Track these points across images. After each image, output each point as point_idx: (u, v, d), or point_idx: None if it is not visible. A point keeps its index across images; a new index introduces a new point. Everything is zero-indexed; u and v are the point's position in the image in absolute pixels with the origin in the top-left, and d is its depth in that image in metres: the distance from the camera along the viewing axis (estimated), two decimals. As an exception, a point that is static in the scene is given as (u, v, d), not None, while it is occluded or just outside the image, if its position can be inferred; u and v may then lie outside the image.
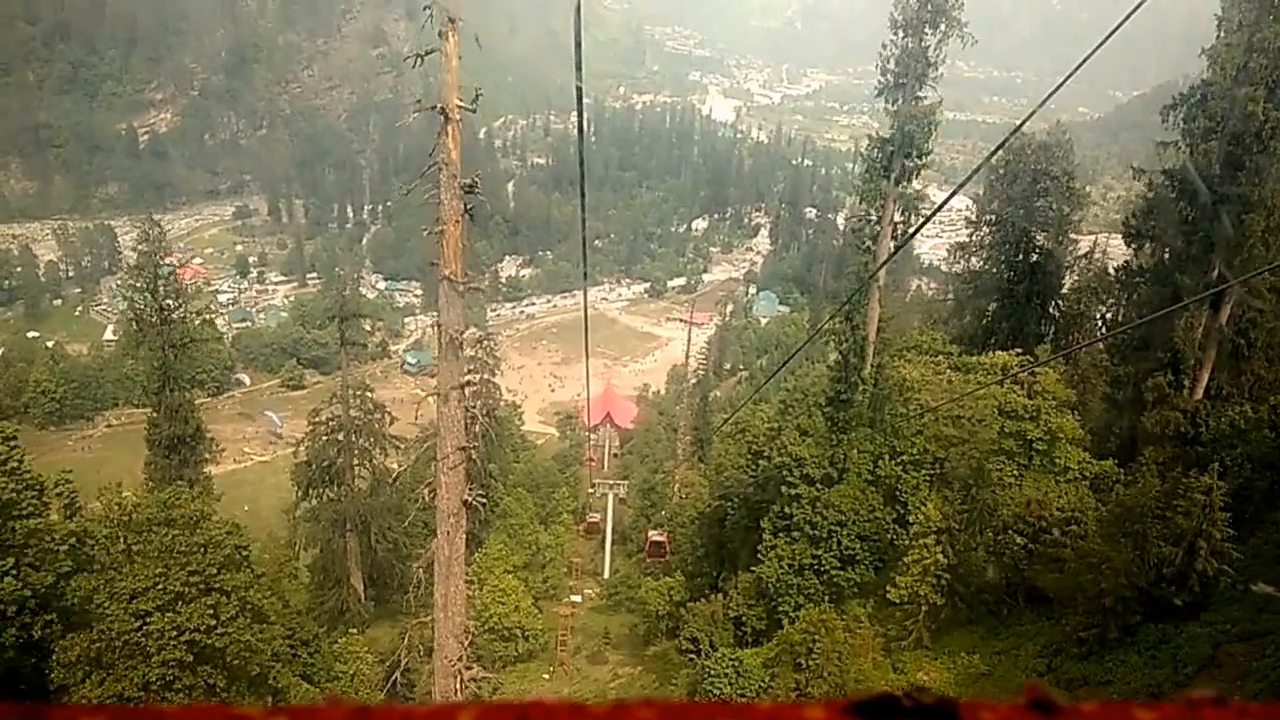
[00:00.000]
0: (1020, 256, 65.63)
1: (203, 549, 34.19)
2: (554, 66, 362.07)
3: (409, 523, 66.27)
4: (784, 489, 45.08)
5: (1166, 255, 48.69)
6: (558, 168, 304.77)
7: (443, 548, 28.71)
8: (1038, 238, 65.15)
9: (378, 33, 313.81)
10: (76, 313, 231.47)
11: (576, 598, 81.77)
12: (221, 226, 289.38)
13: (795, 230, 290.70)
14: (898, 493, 45.63)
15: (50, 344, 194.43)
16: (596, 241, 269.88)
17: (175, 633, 32.03)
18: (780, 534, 45.16)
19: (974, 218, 70.56)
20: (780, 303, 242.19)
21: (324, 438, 72.72)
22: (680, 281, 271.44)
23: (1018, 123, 17.71)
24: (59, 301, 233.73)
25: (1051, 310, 65.59)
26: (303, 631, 51.67)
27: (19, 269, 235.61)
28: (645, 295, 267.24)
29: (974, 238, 70.04)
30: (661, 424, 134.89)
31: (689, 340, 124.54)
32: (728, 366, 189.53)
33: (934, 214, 21.94)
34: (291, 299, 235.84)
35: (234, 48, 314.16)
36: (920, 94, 45.81)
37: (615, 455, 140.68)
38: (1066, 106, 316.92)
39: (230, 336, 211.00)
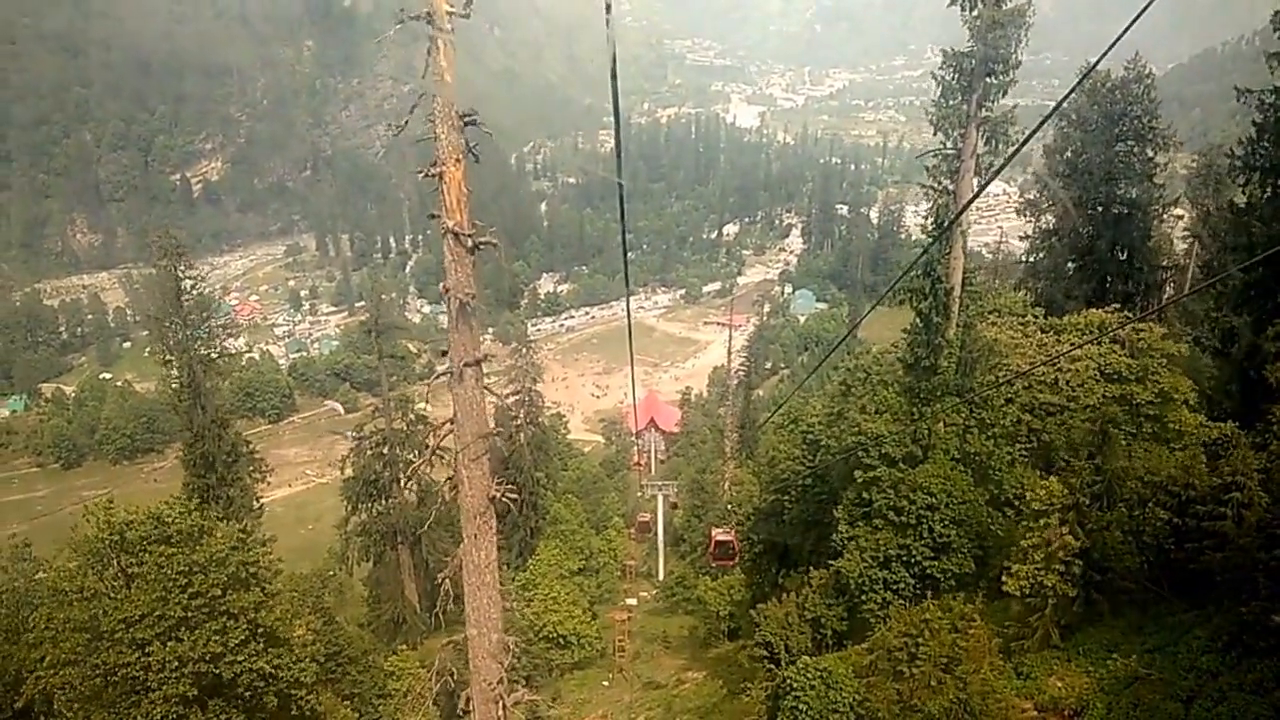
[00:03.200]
0: (1099, 209, 57.09)
1: (204, 568, 27.80)
2: (579, 90, 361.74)
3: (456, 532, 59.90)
4: (858, 473, 37.40)
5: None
6: (587, 185, 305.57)
7: (471, 553, 21.57)
8: (1118, 186, 56.53)
9: (409, 69, 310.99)
10: (145, 353, 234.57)
11: (632, 601, 77.24)
12: (274, 264, 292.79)
13: (828, 227, 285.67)
14: (990, 470, 37.85)
15: (120, 383, 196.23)
16: (630, 253, 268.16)
17: (178, 663, 26.48)
18: (859, 523, 37.51)
19: (1043, 171, 62.04)
20: (817, 299, 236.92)
21: (369, 452, 68.36)
22: (715, 286, 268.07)
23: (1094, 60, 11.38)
24: (128, 344, 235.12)
25: (1138, 264, 56.90)
26: (351, 649, 46.92)
27: (89, 316, 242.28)
28: (681, 301, 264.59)
29: (1045, 193, 61.46)
30: (706, 425, 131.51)
31: (730, 341, 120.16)
32: (768, 365, 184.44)
33: (1030, 136, 14.52)
34: (341, 328, 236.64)
35: (275, 94, 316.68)
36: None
37: (662, 461, 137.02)
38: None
39: (287, 366, 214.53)
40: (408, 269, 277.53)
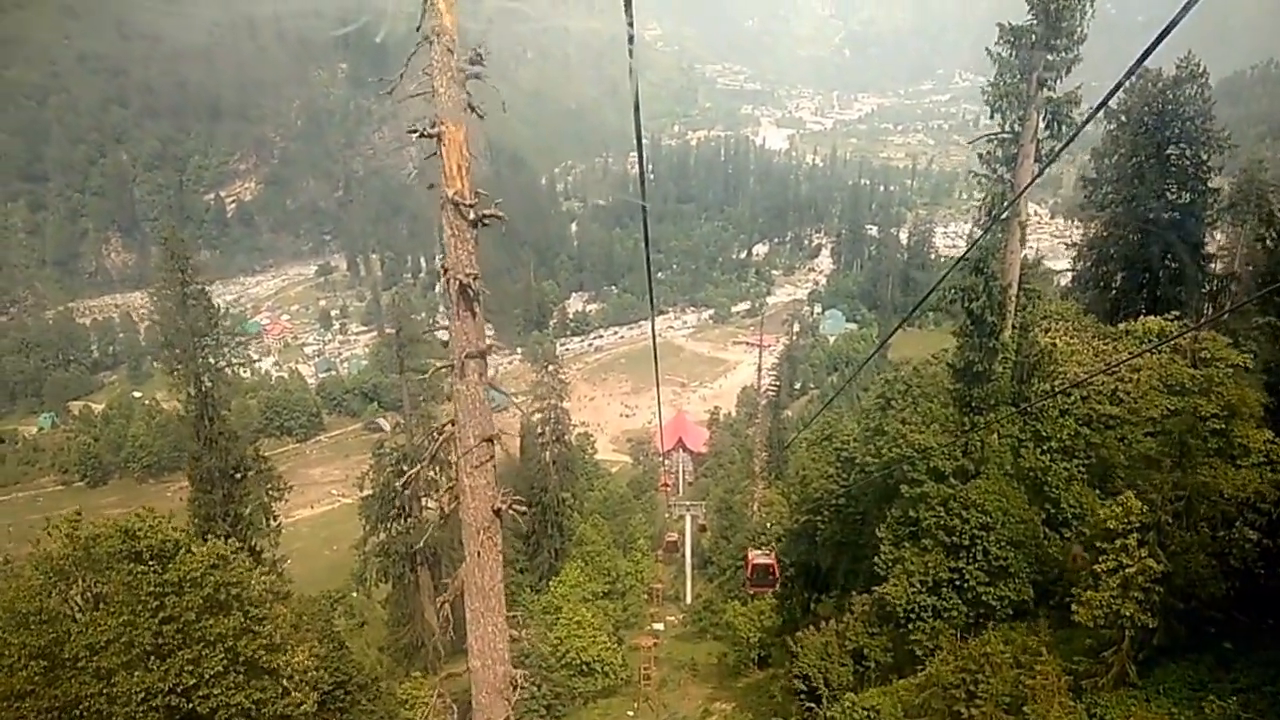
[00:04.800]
0: (1151, 214, 53.59)
1: (177, 589, 24.67)
2: (610, 112, 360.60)
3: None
4: (904, 488, 34.13)
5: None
6: (617, 206, 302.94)
7: (473, 574, 18.30)
8: (1170, 190, 52.92)
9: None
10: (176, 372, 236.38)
11: (659, 626, 76.33)
12: (306, 285, 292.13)
13: (857, 248, 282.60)
14: (1046, 488, 34.46)
15: (148, 402, 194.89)
16: (659, 273, 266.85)
17: (146, 696, 23.81)
18: (905, 544, 34.16)
19: (1092, 175, 58.47)
20: (847, 320, 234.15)
21: (389, 469, 65.66)
22: (744, 306, 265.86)
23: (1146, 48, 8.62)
24: (159, 363, 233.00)
25: (1191, 272, 53.24)
26: (360, 675, 43.52)
27: (121, 335, 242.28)
28: (710, 321, 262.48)
29: (1093, 198, 57.87)
30: (735, 445, 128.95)
31: (760, 361, 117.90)
32: (798, 385, 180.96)
33: (1094, 114, 11.52)
34: (370, 347, 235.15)
35: (309, 115, 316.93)
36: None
37: (690, 482, 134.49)
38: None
39: (315, 385, 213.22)
40: (438, 289, 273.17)
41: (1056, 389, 34.69)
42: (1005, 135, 33.86)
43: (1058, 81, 32.94)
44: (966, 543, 32.39)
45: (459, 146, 15.66)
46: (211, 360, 53.29)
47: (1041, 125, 33.06)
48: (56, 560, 25.37)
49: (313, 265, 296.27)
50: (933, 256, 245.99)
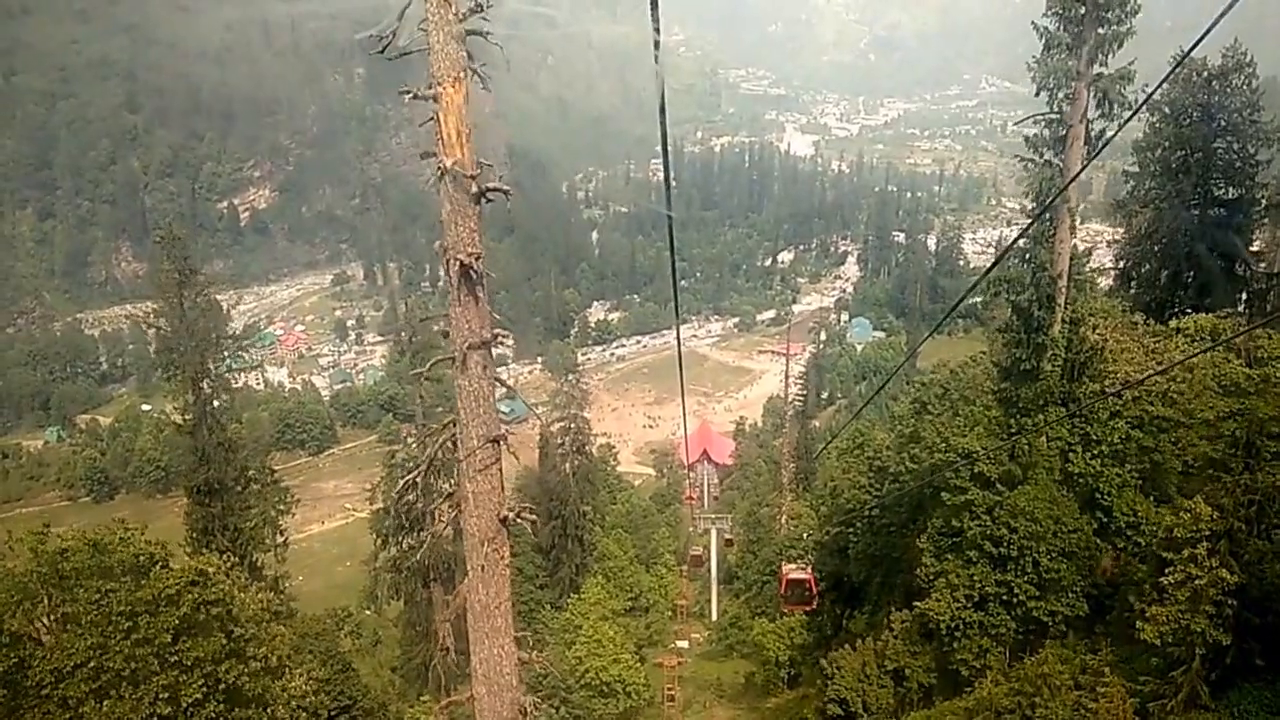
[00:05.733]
0: (1197, 210, 51.78)
1: (151, 607, 23.03)
2: (631, 119, 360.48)
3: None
4: (946, 496, 32.50)
5: None
6: (639, 214, 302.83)
7: (477, 591, 16.66)
8: (1218, 185, 51.11)
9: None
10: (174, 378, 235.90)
11: (683, 643, 75.74)
12: (321, 294, 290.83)
13: (884, 255, 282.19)
14: (1097, 494, 32.74)
15: (157, 415, 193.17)
16: (683, 281, 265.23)
17: None
18: (948, 555, 32.50)
19: (1134, 168, 56.63)
20: (875, 328, 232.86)
21: (400, 480, 64.41)
22: (770, 314, 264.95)
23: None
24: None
25: (1239, 270, 51.38)
26: (367, 699, 43.69)
27: (131, 346, 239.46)
28: (735, 330, 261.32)
29: (1136, 192, 56.03)
30: (761, 457, 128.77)
31: (787, 371, 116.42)
32: (825, 395, 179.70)
33: (1150, 96, 10.08)
34: (386, 358, 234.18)
35: (325, 122, 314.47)
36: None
37: (715, 498, 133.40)
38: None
39: (329, 396, 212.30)
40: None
41: (1111, 389, 32.95)
42: (1053, 116, 32.17)
43: (1109, 57, 31.21)
44: (1014, 554, 30.72)
45: (458, 110, 14.22)
46: (212, 365, 51.69)
47: (1092, 105, 31.36)
48: (19, 577, 23.79)
49: (328, 274, 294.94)
50: (961, 263, 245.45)
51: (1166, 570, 23.99)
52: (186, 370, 51.41)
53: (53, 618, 23.50)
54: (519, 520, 16.48)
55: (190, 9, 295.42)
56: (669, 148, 11.58)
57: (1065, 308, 32.46)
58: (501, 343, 15.49)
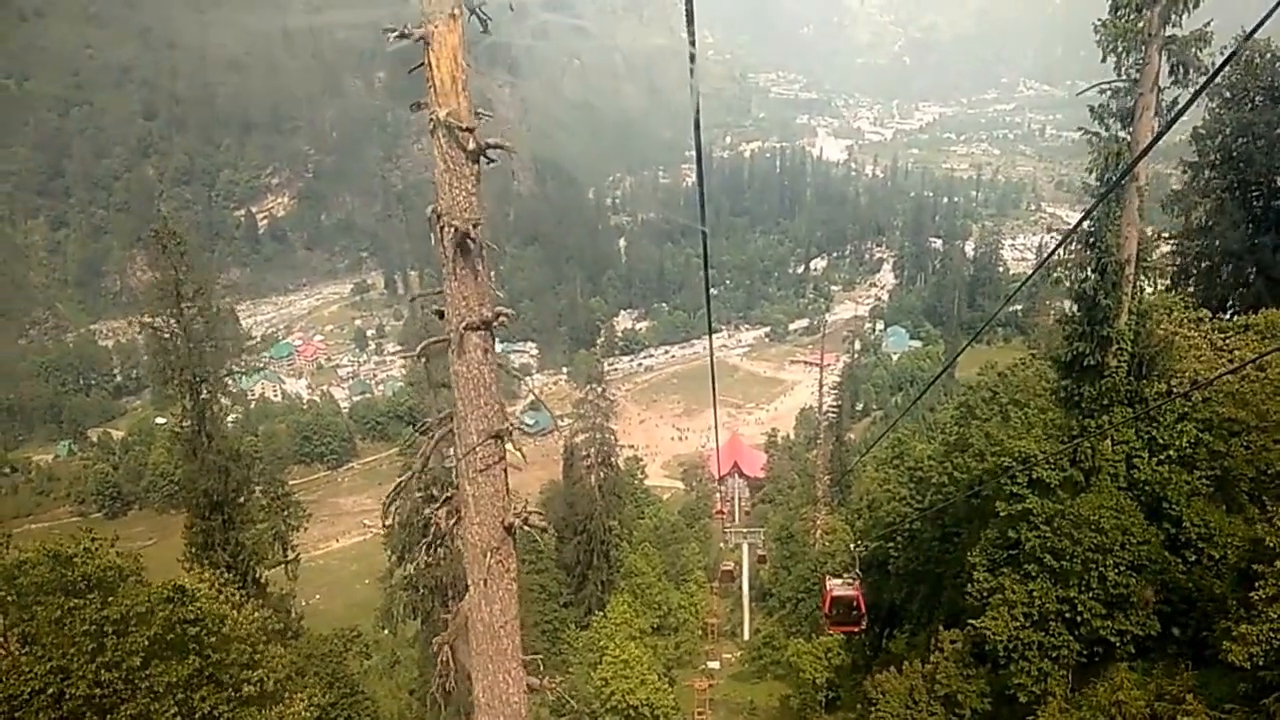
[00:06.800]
0: (1260, 201, 49.63)
1: (120, 626, 21.29)
2: (659, 123, 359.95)
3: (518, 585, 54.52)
4: (1001, 504, 30.57)
5: None
6: (668, 220, 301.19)
7: (480, 609, 14.96)
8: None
9: (482, 100, 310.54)
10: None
11: (714, 664, 75.23)
12: (341, 304, 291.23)
13: (920, 262, 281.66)
14: (1165, 503, 30.70)
15: (171, 428, 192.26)
16: (713, 289, 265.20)
17: None
18: (1003, 569, 30.55)
19: (1193, 158, 54.46)
20: (911, 337, 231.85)
21: (417, 494, 62.58)
22: (802, 323, 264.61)
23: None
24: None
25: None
26: None
27: (145, 358, 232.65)
28: (766, 339, 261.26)
29: (1195, 183, 53.88)
30: (794, 470, 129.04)
31: (820, 381, 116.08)
32: (859, 407, 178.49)
33: (1227, 61, 8.51)
34: (407, 368, 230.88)
35: (344, 128, 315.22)
36: None
37: (747, 512, 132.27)
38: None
39: (348, 408, 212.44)
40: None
41: (1180, 388, 30.85)
42: (1120, 84, 30.13)
43: (1183, 17, 29.12)
44: (1078, 568, 28.67)
45: (452, 52, 12.61)
46: (210, 368, 49.63)
47: (1164, 70, 29.30)
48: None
49: (348, 283, 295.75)
50: (1000, 270, 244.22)
51: (1256, 584, 22.04)
52: (183, 374, 49.27)
53: (8, 638, 21.81)
54: (527, 527, 14.76)
55: (206, 13, 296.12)
56: (702, 155, 10.87)
57: (1132, 297, 30.43)
58: (506, 325, 13.80)
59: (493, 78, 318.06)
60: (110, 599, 21.66)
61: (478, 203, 12.64)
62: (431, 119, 12.43)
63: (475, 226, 12.57)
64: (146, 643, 21.34)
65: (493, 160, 12.45)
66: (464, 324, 13.17)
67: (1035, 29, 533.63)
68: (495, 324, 13.66)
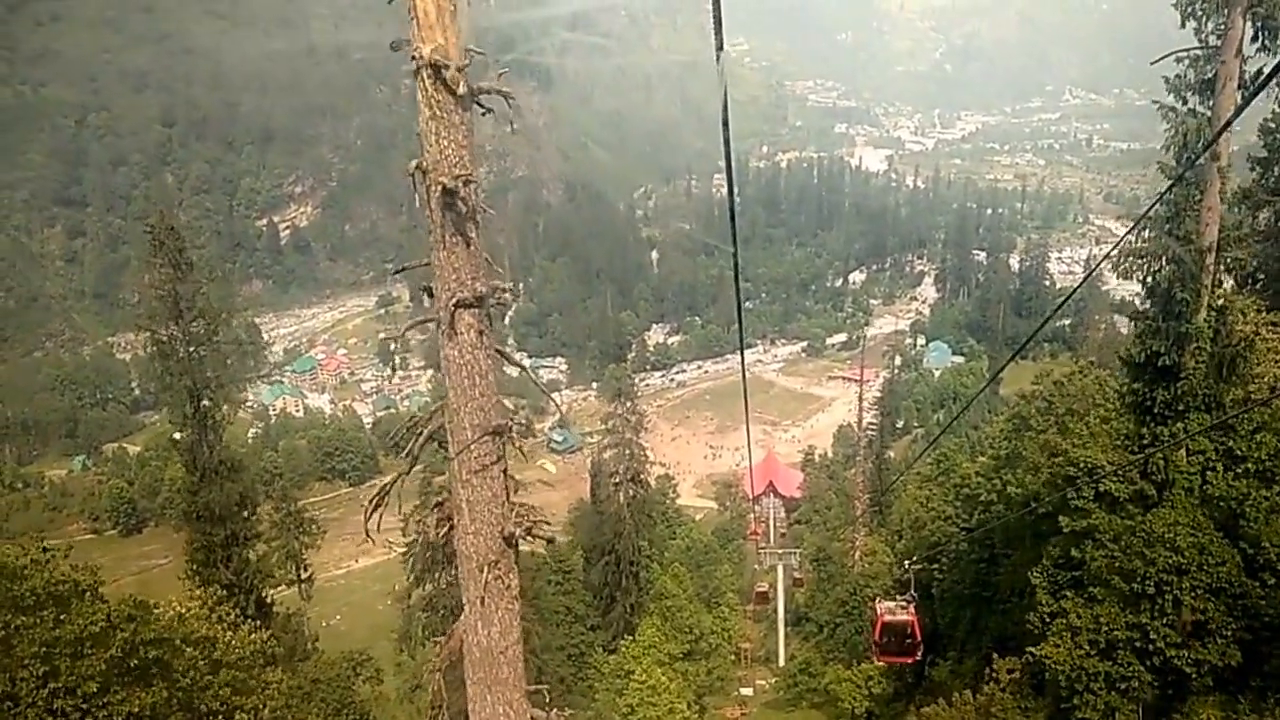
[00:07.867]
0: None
1: (74, 649, 19.66)
2: (691, 133, 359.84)
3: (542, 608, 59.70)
4: (1064, 520, 28.72)
5: None
6: (701, 232, 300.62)
7: (476, 630, 13.15)
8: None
9: (511, 110, 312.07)
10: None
11: (747, 691, 76.00)
12: (365, 316, 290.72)
13: (963, 274, 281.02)
14: (1243, 521, 28.71)
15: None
16: (748, 303, 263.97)
17: None
18: (1066, 592, 28.69)
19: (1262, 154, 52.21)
20: (953, 352, 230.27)
21: (435, 511, 60.98)
22: (840, 338, 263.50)
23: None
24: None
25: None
26: None
27: (159, 369, 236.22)
28: (803, 354, 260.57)
29: (1265, 180, 51.62)
30: (832, 489, 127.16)
31: (860, 397, 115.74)
32: (900, 424, 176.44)
33: None
34: (433, 383, 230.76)
35: (369, 136, 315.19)
36: None
37: (782, 534, 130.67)
38: None
39: (371, 424, 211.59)
40: (506, 319, 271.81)
41: (1260, 396, 28.84)
42: (1199, 51, 28.14)
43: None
44: (1151, 590, 26.75)
45: (439, -17, 10.92)
46: (213, 373, 48.13)
47: (1249, 35, 27.31)
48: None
49: (373, 295, 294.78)
50: (1046, 283, 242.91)
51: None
52: (182, 379, 47.79)
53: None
54: (530, 538, 13.09)
55: (227, 18, 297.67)
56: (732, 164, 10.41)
57: (1211, 290, 28.45)
58: (504, 303, 12.21)
59: (522, 86, 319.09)
60: (63, 616, 20.00)
61: (469, 156, 10.99)
62: (414, 57, 10.74)
63: (466, 184, 10.94)
64: (104, 666, 19.66)
65: (487, 109, 10.80)
66: (454, 300, 11.59)
67: (1081, 35, 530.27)
68: (492, 301, 12.09)
